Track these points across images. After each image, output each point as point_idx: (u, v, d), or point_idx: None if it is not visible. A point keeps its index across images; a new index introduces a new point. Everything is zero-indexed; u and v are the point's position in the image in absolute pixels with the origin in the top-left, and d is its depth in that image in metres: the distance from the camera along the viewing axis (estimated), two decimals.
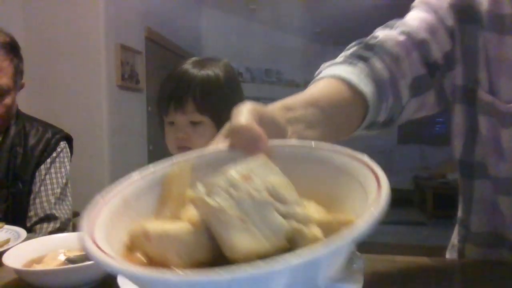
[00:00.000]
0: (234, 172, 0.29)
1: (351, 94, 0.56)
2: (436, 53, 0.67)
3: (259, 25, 5.57)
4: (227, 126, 0.41)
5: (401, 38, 0.65)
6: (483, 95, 0.67)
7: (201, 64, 0.98)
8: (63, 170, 1.33)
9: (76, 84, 2.90)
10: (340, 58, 0.64)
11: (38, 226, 1.24)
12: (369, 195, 0.28)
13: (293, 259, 0.21)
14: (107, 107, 2.93)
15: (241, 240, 0.26)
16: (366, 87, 0.57)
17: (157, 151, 3.86)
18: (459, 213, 0.81)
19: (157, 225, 0.30)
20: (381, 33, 0.67)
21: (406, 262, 0.72)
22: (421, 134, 6.62)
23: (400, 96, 0.64)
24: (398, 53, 0.64)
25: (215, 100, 0.95)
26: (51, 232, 1.22)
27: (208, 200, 0.27)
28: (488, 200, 0.74)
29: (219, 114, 0.95)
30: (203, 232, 0.28)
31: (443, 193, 5.06)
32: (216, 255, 0.28)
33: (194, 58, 1.01)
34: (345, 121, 0.57)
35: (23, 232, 0.85)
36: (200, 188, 0.28)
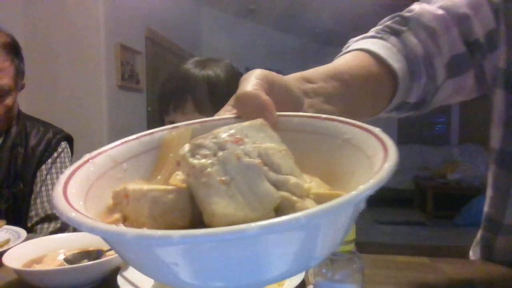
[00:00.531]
0: (224, 133, 0.26)
1: (379, 69, 0.51)
2: (478, 31, 0.61)
3: (259, 25, 5.57)
4: (234, 95, 0.38)
5: (440, 12, 0.60)
6: None
7: (202, 64, 0.98)
8: (64, 170, 1.32)
9: (76, 84, 2.90)
10: (371, 32, 0.60)
11: (39, 226, 1.24)
12: (374, 169, 0.26)
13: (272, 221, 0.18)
14: (107, 107, 2.93)
15: (221, 205, 0.23)
16: (396, 63, 0.52)
17: None
18: (487, 208, 0.75)
19: (138, 186, 0.27)
20: (418, 6, 0.61)
21: (406, 262, 0.72)
22: (421, 134, 6.62)
23: (434, 75, 0.59)
24: (435, 28, 0.59)
25: (215, 100, 0.95)
26: (52, 232, 1.23)
27: (191, 160, 0.25)
28: None
29: None
30: (185, 195, 0.26)
31: (443, 193, 5.05)
32: (196, 222, 0.26)
33: (196, 58, 1.01)
34: (371, 99, 0.51)
35: (23, 232, 0.85)
36: (186, 147, 0.26)
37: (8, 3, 2.77)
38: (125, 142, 0.33)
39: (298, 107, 0.40)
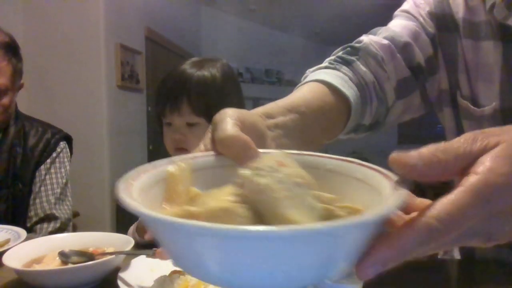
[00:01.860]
0: (271, 158, 0.31)
1: (334, 98, 0.56)
2: (419, 57, 0.69)
3: (259, 25, 5.57)
4: (209, 135, 0.40)
5: (385, 41, 0.68)
6: (460, 100, 0.70)
7: (199, 64, 0.98)
8: (63, 170, 1.33)
9: (76, 84, 2.90)
10: (325, 62, 0.66)
11: (38, 226, 1.24)
12: (382, 190, 0.30)
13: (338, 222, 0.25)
14: (107, 107, 2.93)
15: (293, 214, 0.28)
16: (348, 90, 0.57)
17: (157, 151, 3.86)
18: None
19: (198, 208, 0.31)
20: (366, 38, 0.69)
21: (406, 262, 0.71)
22: (421, 134, 6.61)
23: (385, 98, 0.66)
24: (383, 56, 0.66)
25: (211, 101, 0.94)
26: (51, 232, 1.23)
27: (258, 179, 0.29)
28: None
29: None
30: (246, 209, 0.30)
31: (443, 193, 5.03)
32: None
33: (193, 59, 1.01)
34: (328, 125, 0.57)
35: (23, 232, 0.85)
36: (247, 171, 0.31)
37: (8, 3, 2.77)
38: (146, 171, 0.36)
39: (263, 142, 0.43)
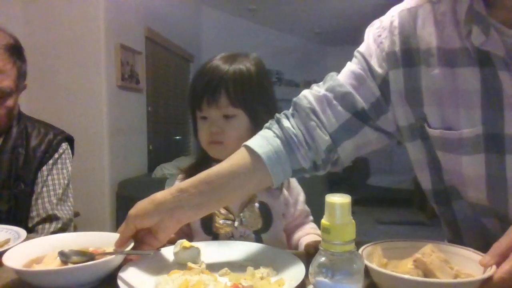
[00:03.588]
0: (420, 252, 0.60)
1: (252, 158, 0.72)
2: (361, 103, 0.75)
3: (259, 26, 5.57)
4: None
5: (322, 93, 0.76)
6: (430, 131, 0.71)
7: (231, 59, 0.99)
8: (64, 171, 1.33)
9: (76, 84, 2.90)
10: (268, 123, 0.80)
11: (40, 227, 1.24)
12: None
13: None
14: (107, 107, 2.93)
15: (441, 275, 0.57)
16: (263, 148, 0.72)
17: (157, 151, 3.86)
18: (448, 236, 0.83)
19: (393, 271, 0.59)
20: (305, 92, 0.79)
21: None
22: None
23: (316, 144, 0.74)
24: (315, 107, 0.75)
25: (248, 93, 0.96)
26: (53, 232, 1.23)
27: (425, 259, 0.58)
28: (472, 218, 0.75)
29: (253, 107, 0.96)
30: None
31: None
32: None
33: (223, 54, 1.02)
34: (248, 182, 0.73)
35: (23, 232, 0.85)
36: (419, 254, 0.59)
37: (8, 3, 2.77)
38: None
39: (172, 212, 0.71)
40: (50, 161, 1.30)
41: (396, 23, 0.73)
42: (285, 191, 0.98)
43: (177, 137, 4.55)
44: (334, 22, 5.23)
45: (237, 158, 0.73)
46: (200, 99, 0.96)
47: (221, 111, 0.95)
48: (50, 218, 1.25)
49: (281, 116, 0.78)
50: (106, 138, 2.94)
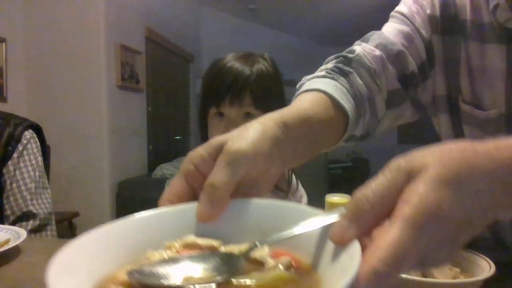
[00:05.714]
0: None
1: (335, 110, 0.56)
2: (412, 65, 0.68)
3: (259, 25, 5.57)
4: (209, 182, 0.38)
5: (377, 52, 0.66)
6: (463, 105, 0.69)
7: (250, 59, 1.00)
8: (33, 162, 1.23)
9: (76, 84, 2.90)
10: (320, 71, 0.65)
11: (17, 225, 1.14)
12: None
13: None
14: (107, 107, 2.93)
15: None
16: (347, 104, 0.57)
17: (157, 151, 3.86)
18: None
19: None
20: (358, 48, 0.67)
21: None
22: (421, 134, 6.61)
23: (376, 112, 0.65)
24: (375, 68, 0.65)
25: (268, 93, 0.98)
26: (31, 230, 1.16)
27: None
28: None
29: (271, 107, 0.97)
30: None
31: None
32: None
33: (236, 54, 1.02)
34: (328, 136, 0.57)
35: (23, 232, 0.84)
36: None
37: (8, 3, 2.77)
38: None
39: (271, 157, 0.42)
40: (15, 154, 1.20)
41: None
42: (290, 195, 0.98)
43: (177, 137, 4.55)
44: (334, 22, 5.23)
45: (323, 106, 0.55)
46: (222, 98, 0.96)
47: (243, 110, 0.96)
48: (26, 216, 1.17)
49: (341, 67, 0.64)
50: (106, 138, 2.94)
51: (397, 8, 0.72)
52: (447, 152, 0.31)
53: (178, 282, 0.31)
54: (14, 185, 1.19)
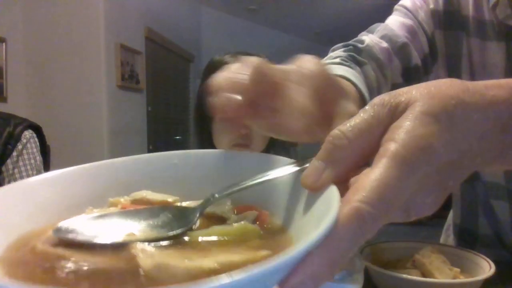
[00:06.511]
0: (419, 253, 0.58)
1: (356, 96, 0.53)
2: (416, 57, 0.68)
3: (259, 25, 5.57)
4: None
5: (384, 44, 0.66)
6: None
7: None
8: (32, 161, 1.25)
9: (76, 84, 2.90)
10: (335, 58, 0.63)
11: None
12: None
13: None
14: (107, 107, 2.93)
15: None
16: (367, 93, 0.55)
17: (157, 151, 3.85)
18: (455, 219, 0.82)
19: None
20: (367, 38, 0.66)
21: None
22: None
23: None
24: (383, 61, 0.64)
25: None
26: None
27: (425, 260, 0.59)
28: (483, 200, 0.74)
29: None
30: None
31: None
32: None
33: (232, 54, 1.00)
34: None
35: None
36: (418, 255, 0.60)
37: (8, 3, 2.77)
38: None
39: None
40: (14, 153, 1.22)
41: None
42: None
43: (177, 137, 4.55)
44: (334, 22, 5.23)
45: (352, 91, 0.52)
46: None
47: None
48: None
49: (356, 57, 0.62)
50: (106, 138, 2.94)
51: (400, 2, 0.73)
52: (436, 87, 0.27)
53: (117, 239, 0.26)
54: (12, 183, 1.18)
